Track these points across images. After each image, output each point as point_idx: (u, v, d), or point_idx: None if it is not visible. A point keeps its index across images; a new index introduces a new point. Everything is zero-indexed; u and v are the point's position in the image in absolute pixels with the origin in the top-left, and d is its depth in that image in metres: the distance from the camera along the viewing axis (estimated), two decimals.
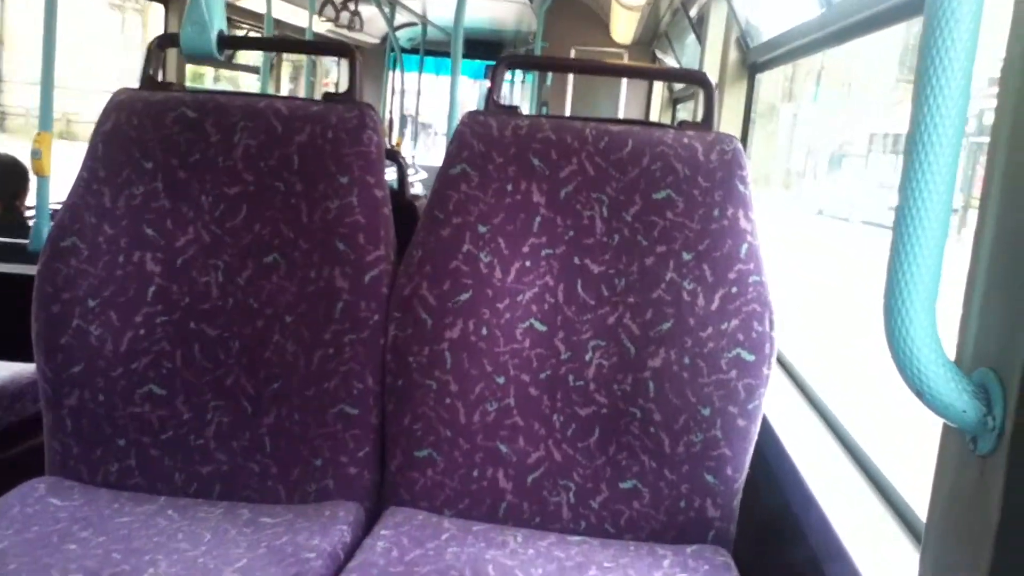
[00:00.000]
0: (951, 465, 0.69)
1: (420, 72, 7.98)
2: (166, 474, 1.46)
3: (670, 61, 5.60)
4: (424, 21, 7.08)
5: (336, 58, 6.39)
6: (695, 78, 1.62)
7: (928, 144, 0.62)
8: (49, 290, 1.44)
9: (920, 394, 0.65)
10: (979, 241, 0.66)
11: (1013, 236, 0.62)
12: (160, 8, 4.02)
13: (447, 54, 3.62)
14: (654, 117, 6.21)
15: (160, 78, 1.58)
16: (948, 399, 0.64)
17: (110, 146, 1.47)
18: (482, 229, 1.41)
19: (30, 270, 1.56)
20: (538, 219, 1.42)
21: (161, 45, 1.60)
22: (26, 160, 2.66)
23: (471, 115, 1.47)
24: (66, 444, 1.46)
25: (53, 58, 2.37)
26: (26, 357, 1.55)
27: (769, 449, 1.44)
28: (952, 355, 0.67)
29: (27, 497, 1.36)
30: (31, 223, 2.49)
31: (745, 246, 1.36)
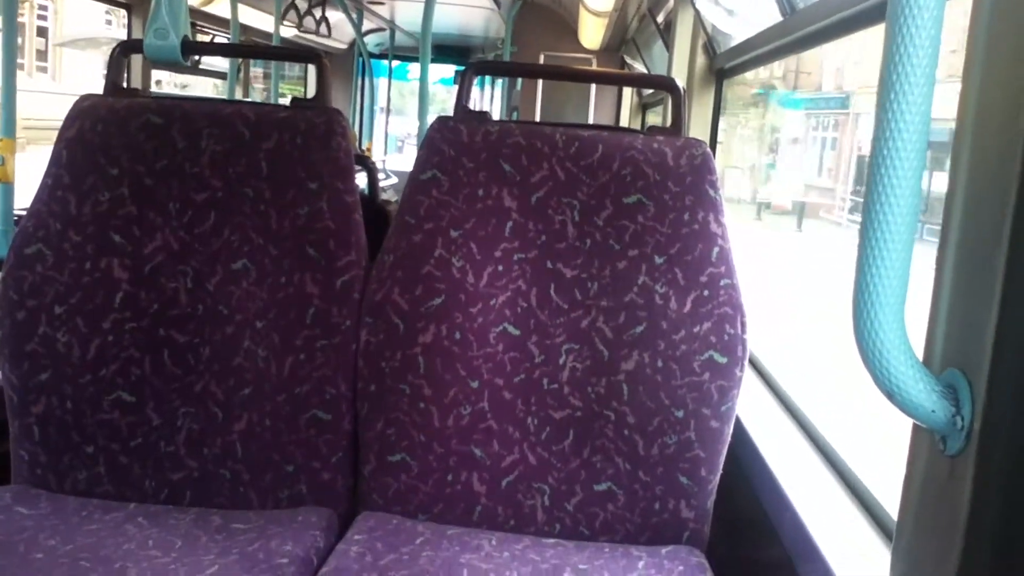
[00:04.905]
0: (921, 465, 0.70)
1: (389, 78, 7.97)
2: (136, 481, 1.44)
3: (639, 66, 5.64)
4: (392, 26, 7.06)
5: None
6: (663, 84, 1.63)
7: (893, 147, 0.63)
8: (14, 297, 1.42)
9: (890, 395, 0.66)
10: (944, 242, 0.67)
11: (977, 236, 0.64)
12: None
13: (416, 59, 3.62)
14: (624, 121, 6.24)
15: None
16: (917, 399, 0.65)
17: (75, 153, 1.45)
18: (454, 234, 1.41)
19: None
20: (510, 224, 1.42)
21: (124, 51, 1.59)
22: None
23: (441, 121, 1.47)
24: (33, 452, 1.44)
25: (14, 62, 2.33)
26: None
27: (742, 450, 1.45)
28: (921, 356, 0.68)
29: None
30: None
31: (716, 250, 1.37)
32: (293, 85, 9.11)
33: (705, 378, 1.35)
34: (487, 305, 1.40)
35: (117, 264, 1.44)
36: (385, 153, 8.39)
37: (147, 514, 1.38)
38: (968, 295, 0.65)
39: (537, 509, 1.41)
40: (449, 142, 1.44)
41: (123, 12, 4.16)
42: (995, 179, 0.61)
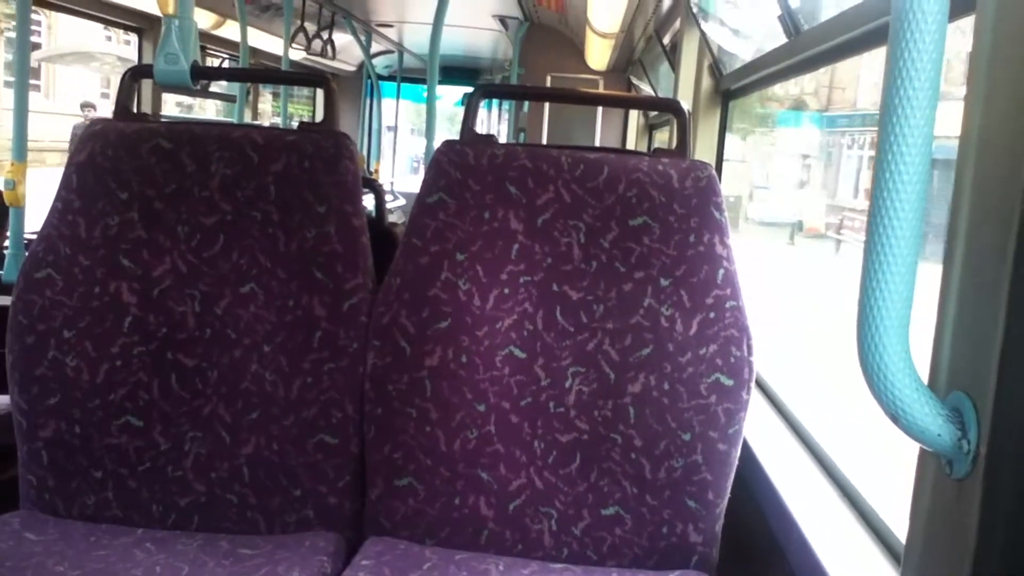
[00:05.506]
0: (928, 488, 0.70)
1: (397, 99, 8.02)
2: (143, 506, 1.44)
3: (645, 87, 5.66)
4: (400, 49, 7.11)
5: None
6: (669, 106, 1.64)
7: (896, 170, 0.63)
8: (24, 321, 1.42)
9: (895, 418, 0.65)
10: (949, 265, 0.67)
11: (982, 259, 0.63)
12: None
13: (424, 81, 3.64)
14: (631, 141, 6.27)
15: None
16: (923, 423, 0.64)
17: (85, 177, 1.46)
18: (460, 257, 1.42)
19: (4, 301, 1.54)
20: (516, 246, 1.42)
21: (134, 76, 1.60)
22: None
23: (447, 144, 1.48)
24: (41, 477, 1.44)
25: (26, 87, 2.36)
26: None
27: (750, 473, 1.44)
28: (926, 379, 0.68)
29: (0, 532, 1.33)
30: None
31: (721, 271, 1.37)
32: (302, 106, 9.19)
33: (712, 401, 1.34)
34: (493, 328, 1.41)
35: (126, 288, 1.45)
36: (393, 174, 8.43)
37: (155, 539, 1.38)
38: (973, 318, 0.64)
39: (544, 533, 1.40)
40: (455, 165, 1.45)
41: (121, 29, 4.21)
42: (999, 200, 0.61)
